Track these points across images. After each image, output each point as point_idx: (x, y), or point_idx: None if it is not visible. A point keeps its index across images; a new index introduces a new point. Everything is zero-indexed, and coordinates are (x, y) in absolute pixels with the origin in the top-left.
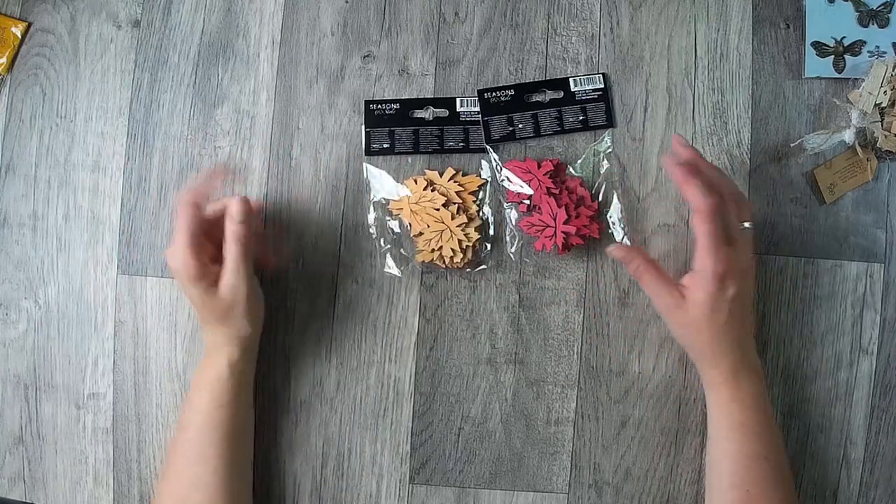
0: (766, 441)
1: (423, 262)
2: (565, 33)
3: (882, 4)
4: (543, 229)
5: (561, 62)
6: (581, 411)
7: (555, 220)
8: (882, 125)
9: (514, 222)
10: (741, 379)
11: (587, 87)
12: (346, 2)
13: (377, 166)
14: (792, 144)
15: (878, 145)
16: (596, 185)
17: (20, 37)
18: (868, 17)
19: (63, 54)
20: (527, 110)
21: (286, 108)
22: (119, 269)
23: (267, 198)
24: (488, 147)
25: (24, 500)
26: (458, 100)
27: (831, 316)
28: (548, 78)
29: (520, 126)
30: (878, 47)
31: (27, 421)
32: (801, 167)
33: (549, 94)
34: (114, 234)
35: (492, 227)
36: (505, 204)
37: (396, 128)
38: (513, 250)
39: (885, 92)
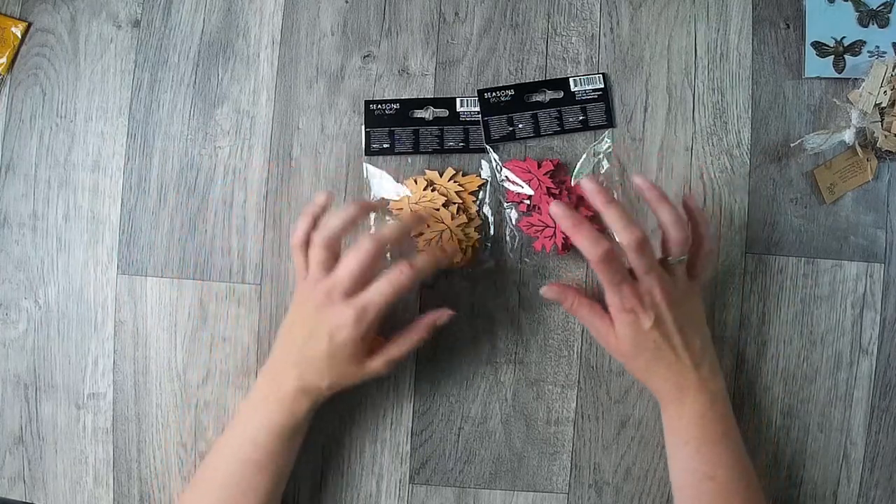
0: (710, 460)
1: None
2: (565, 33)
3: (882, 4)
4: (543, 229)
5: (561, 62)
6: (581, 411)
7: (554, 221)
8: (882, 125)
9: (513, 222)
10: (685, 399)
11: (587, 87)
12: (346, 2)
13: (377, 166)
14: (792, 144)
15: (878, 145)
16: None
17: (20, 37)
18: (868, 17)
19: (63, 54)
20: (527, 110)
21: (286, 108)
22: (119, 269)
23: (267, 197)
24: (488, 147)
25: (24, 500)
26: (457, 100)
27: (831, 316)
28: (548, 78)
29: (520, 126)
30: (878, 47)
31: (27, 421)
32: (801, 167)
33: (550, 94)
34: (114, 234)
35: (492, 227)
36: (505, 204)
37: (396, 128)
38: (512, 250)
39: (885, 92)
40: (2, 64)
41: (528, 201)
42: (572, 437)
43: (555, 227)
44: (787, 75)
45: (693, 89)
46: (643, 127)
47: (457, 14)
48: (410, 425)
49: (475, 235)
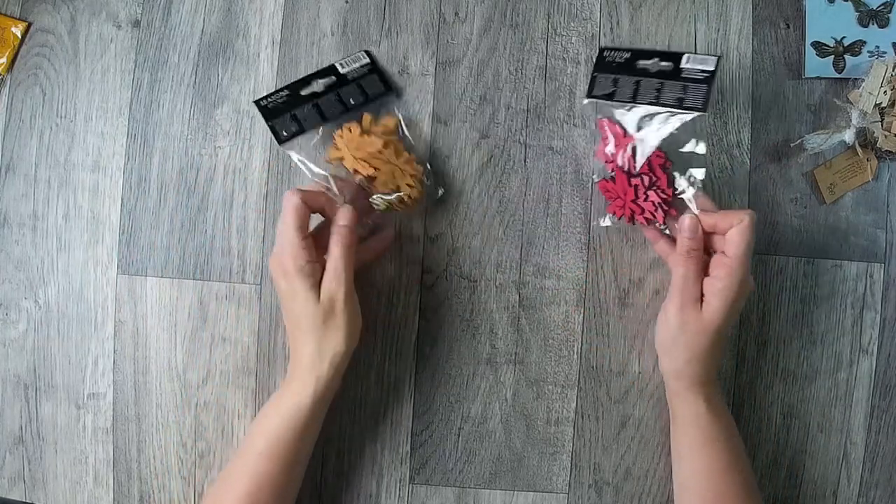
0: (737, 454)
1: (382, 209)
2: (565, 33)
3: (882, 4)
4: (615, 199)
5: (561, 62)
6: (581, 411)
7: (625, 195)
8: (882, 125)
9: (596, 177)
10: (715, 390)
11: (696, 66)
12: (346, 2)
13: (297, 153)
14: (792, 144)
15: (878, 145)
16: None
17: (20, 37)
18: (868, 17)
19: (63, 54)
20: (633, 75)
21: None
22: (119, 269)
23: (267, 197)
24: (587, 100)
25: (24, 500)
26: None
27: (831, 316)
28: (548, 78)
29: (621, 89)
30: (878, 47)
31: (27, 421)
32: (801, 167)
33: (660, 65)
34: (114, 234)
35: (428, 162)
36: (593, 158)
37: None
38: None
39: (885, 92)
40: (2, 64)
41: (611, 168)
42: (572, 437)
43: (625, 201)
44: (787, 75)
45: None
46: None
47: (457, 14)
48: (410, 425)
49: (420, 168)
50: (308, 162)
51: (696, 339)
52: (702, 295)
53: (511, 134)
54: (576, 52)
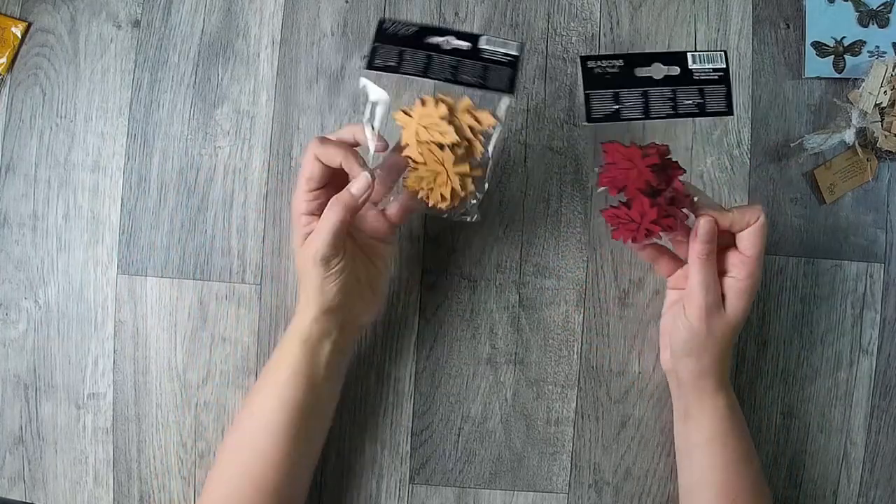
0: (750, 447)
1: (408, 189)
2: (565, 33)
3: (882, 4)
4: (628, 223)
5: (561, 62)
6: (581, 411)
7: (642, 218)
8: (882, 125)
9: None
10: (729, 385)
11: (707, 66)
12: (346, 2)
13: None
14: (792, 144)
15: (878, 145)
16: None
17: (20, 37)
18: (868, 17)
19: (63, 54)
20: (636, 86)
21: (286, 108)
22: (119, 269)
23: (267, 197)
24: (362, 78)
25: (24, 500)
26: (689, 55)
27: (831, 316)
28: (548, 78)
29: (627, 104)
30: (878, 47)
31: (27, 421)
32: (801, 167)
33: (664, 70)
34: (114, 234)
35: (487, 181)
36: (598, 188)
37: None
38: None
39: (885, 92)
40: (2, 64)
41: (621, 195)
42: (572, 437)
43: (640, 224)
44: (787, 75)
45: None
46: (643, 127)
47: (457, 14)
48: (410, 425)
49: (470, 187)
50: (370, 96)
51: (723, 340)
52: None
53: (511, 134)
54: (576, 52)
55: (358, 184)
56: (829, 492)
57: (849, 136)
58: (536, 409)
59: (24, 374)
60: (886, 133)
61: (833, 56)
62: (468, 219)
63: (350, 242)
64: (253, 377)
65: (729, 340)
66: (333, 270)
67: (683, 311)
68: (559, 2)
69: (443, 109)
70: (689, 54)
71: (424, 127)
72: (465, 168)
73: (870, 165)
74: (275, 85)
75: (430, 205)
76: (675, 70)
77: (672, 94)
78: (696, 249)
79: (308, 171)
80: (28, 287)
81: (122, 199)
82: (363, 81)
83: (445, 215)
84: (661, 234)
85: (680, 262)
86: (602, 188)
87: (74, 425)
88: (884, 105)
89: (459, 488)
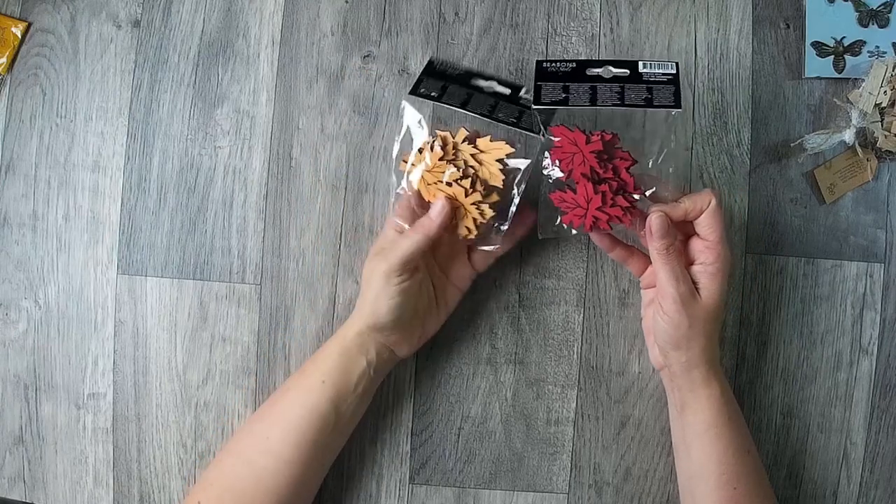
0: (747, 436)
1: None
2: (565, 33)
3: (882, 4)
4: (574, 208)
5: None
6: (581, 411)
7: (588, 203)
8: (882, 125)
9: (548, 188)
10: (722, 374)
11: (657, 71)
12: (347, 2)
13: (415, 110)
14: (792, 144)
15: (878, 145)
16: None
17: (20, 37)
18: (868, 17)
19: (63, 54)
20: (585, 81)
21: (286, 108)
22: (119, 269)
23: (267, 197)
24: (535, 109)
25: (24, 500)
26: (640, 63)
27: (831, 316)
28: None
29: (575, 95)
30: (878, 47)
31: (27, 421)
32: (801, 167)
33: (614, 71)
34: (114, 234)
35: (514, 207)
36: (545, 164)
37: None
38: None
39: (885, 92)
40: (2, 64)
41: (563, 176)
42: (572, 437)
43: (587, 210)
44: (787, 75)
45: (693, 89)
46: (643, 127)
47: (457, 14)
48: (410, 425)
49: (490, 213)
50: (413, 127)
51: (706, 326)
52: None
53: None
54: (576, 52)
55: (435, 209)
56: (829, 492)
57: (849, 136)
58: (536, 409)
59: (24, 374)
60: (886, 133)
61: (833, 56)
62: (490, 248)
63: (424, 275)
64: (253, 377)
65: (712, 326)
66: (393, 289)
67: (661, 308)
68: (559, 2)
69: (438, 152)
70: (639, 62)
71: (428, 171)
72: (477, 196)
73: (870, 165)
74: (275, 85)
75: (460, 238)
76: (625, 72)
77: (620, 90)
78: (654, 247)
79: (398, 210)
80: (28, 287)
81: (122, 199)
82: (408, 111)
83: (479, 246)
84: (610, 224)
85: (649, 260)
86: (546, 171)
87: (74, 425)
88: (884, 105)
89: (459, 488)
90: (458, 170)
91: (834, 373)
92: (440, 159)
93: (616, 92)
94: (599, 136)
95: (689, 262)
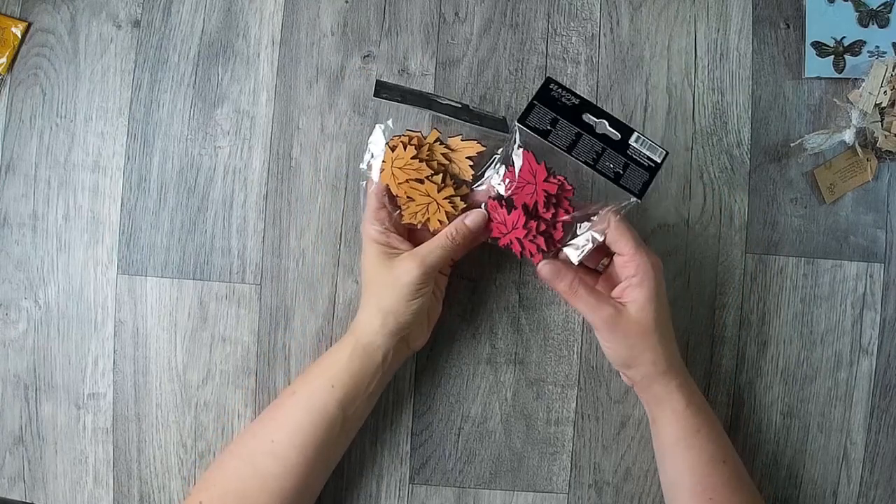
0: (722, 445)
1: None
2: (565, 33)
3: (882, 4)
4: (500, 224)
5: (561, 62)
6: (581, 411)
7: (512, 228)
8: (882, 125)
9: (493, 193)
10: (689, 384)
11: (644, 150)
12: (346, 2)
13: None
14: (792, 144)
15: (878, 145)
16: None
17: (20, 37)
18: (868, 17)
19: (63, 54)
20: (575, 124)
21: (286, 108)
22: (119, 269)
23: (267, 197)
24: (518, 126)
25: (24, 500)
26: (635, 133)
27: (831, 316)
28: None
29: (558, 133)
30: (878, 47)
31: (27, 421)
32: (801, 167)
33: (607, 128)
34: (114, 234)
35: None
36: (496, 176)
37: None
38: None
39: (885, 92)
40: (2, 64)
41: (505, 194)
42: (572, 437)
43: (508, 232)
44: (787, 75)
45: (693, 89)
46: (643, 127)
47: (457, 14)
48: (410, 425)
49: (461, 205)
50: (381, 130)
51: (646, 339)
52: (618, 301)
53: (511, 134)
54: (576, 52)
55: (473, 218)
56: (829, 492)
57: (849, 136)
58: (536, 409)
59: (24, 374)
60: (886, 133)
61: (833, 56)
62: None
63: None
64: (253, 377)
65: (654, 337)
66: (421, 291)
67: (600, 337)
68: (559, 2)
69: (411, 151)
70: (635, 133)
71: (399, 168)
72: (450, 191)
73: (870, 165)
74: (275, 85)
75: (431, 231)
76: (617, 136)
77: (600, 150)
78: (557, 290)
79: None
80: (28, 287)
81: (122, 199)
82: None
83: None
84: (519, 252)
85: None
86: (495, 180)
87: (74, 425)
88: (884, 105)
89: (459, 488)
90: (433, 169)
91: (834, 373)
92: (413, 157)
93: (595, 151)
94: (559, 183)
95: (617, 282)
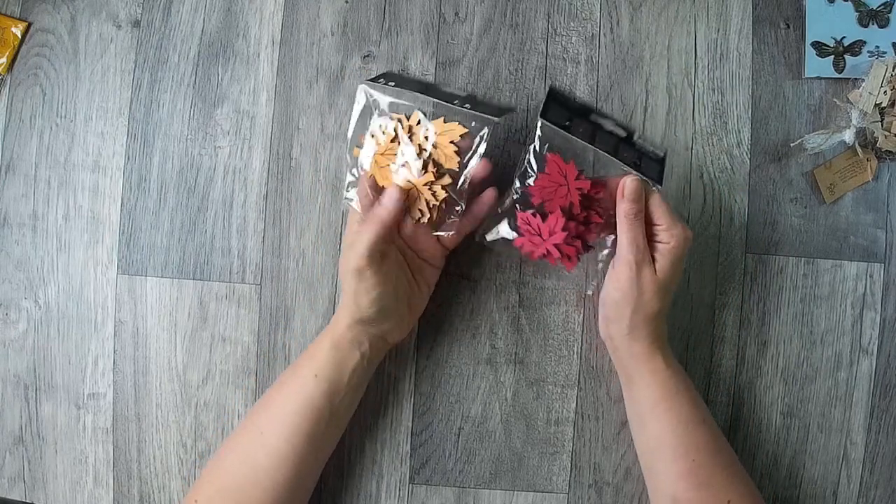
0: (700, 406)
1: None
2: (565, 33)
3: (882, 4)
4: (533, 235)
5: (561, 62)
6: (581, 411)
7: (549, 236)
8: (882, 125)
9: (516, 205)
10: (669, 350)
11: (648, 148)
12: (346, 2)
13: (366, 95)
14: (792, 144)
15: (878, 145)
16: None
17: (20, 37)
18: (868, 17)
19: (63, 54)
20: (587, 122)
21: (286, 108)
22: (119, 269)
23: (267, 197)
24: (540, 121)
25: (24, 500)
26: (636, 133)
27: (831, 316)
28: (548, 78)
29: (579, 130)
30: (878, 47)
31: (27, 421)
32: (801, 167)
33: (613, 127)
34: (114, 234)
35: (462, 200)
36: (517, 185)
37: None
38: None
39: (885, 92)
40: (2, 64)
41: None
42: (572, 437)
43: (544, 241)
44: (787, 75)
45: (693, 89)
46: (643, 127)
47: (457, 14)
48: (410, 425)
49: (442, 194)
50: (375, 110)
51: (653, 299)
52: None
53: (511, 134)
54: (576, 52)
55: (389, 196)
56: (829, 492)
57: (849, 136)
58: (536, 409)
59: (24, 374)
60: (886, 133)
61: (833, 56)
62: (445, 234)
63: (395, 260)
64: (253, 377)
65: (659, 301)
66: (368, 283)
67: (614, 273)
68: (559, 2)
69: (391, 134)
70: (635, 133)
71: (382, 154)
72: (430, 178)
73: (870, 165)
74: (275, 85)
75: (414, 220)
76: (622, 133)
77: (616, 143)
78: (622, 209)
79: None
80: (28, 287)
81: (122, 199)
82: (359, 96)
83: (434, 232)
84: (555, 261)
85: None
86: (516, 193)
87: (74, 425)
88: (884, 105)
89: (459, 488)
90: (417, 151)
91: (834, 373)
92: (392, 140)
93: (611, 144)
94: (592, 180)
95: (649, 240)
